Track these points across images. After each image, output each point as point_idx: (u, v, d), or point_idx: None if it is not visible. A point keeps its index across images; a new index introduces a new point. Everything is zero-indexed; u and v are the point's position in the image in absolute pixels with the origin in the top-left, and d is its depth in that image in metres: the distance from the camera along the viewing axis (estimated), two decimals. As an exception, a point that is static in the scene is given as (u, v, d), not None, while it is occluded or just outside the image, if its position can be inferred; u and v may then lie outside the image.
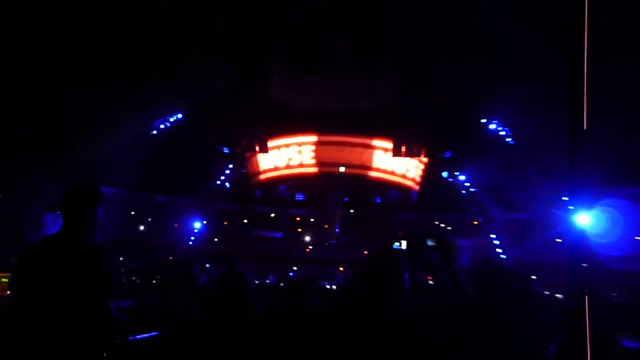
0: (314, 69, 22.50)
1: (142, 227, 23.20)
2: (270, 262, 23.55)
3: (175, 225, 23.27)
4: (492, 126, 23.46)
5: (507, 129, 23.20)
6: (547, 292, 5.72)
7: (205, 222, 24.08)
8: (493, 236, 22.57)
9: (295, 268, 23.60)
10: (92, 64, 16.89)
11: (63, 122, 16.93)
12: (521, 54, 17.46)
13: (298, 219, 27.43)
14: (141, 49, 18.40)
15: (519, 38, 15.59)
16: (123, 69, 18.30)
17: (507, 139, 23.35)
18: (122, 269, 16.92)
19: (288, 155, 25.09)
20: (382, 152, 24.94)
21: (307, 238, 26.76)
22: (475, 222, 23.10)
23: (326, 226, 26.96)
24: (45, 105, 15.88)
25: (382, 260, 2.68)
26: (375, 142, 24.81)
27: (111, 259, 2.42)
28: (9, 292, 2.46)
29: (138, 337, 4.92)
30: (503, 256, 21.28)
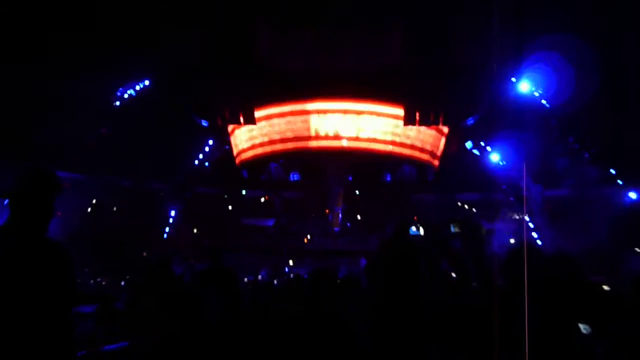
0: (308, 22, 22.49)
1: (107, 218, 22.94)
2: (261, 255, 23.84)
3: (148, 214, 23.25)
4: (524, 86, 23.37)
5: (541, 90, 23.18)
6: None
7: (182, 209, 24.48)
8: (527, 218, 22.59)
9: (291, 262, 24.07)
10: (50, 29, 17.16)
11: (17, 95, 17.01)
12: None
13: (293, 203, 27.55)
14: (107, 13, 18.67)
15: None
16: (87, 35, 18.61)
17: (542, 102, 23.31)
18: (85, 269, 17.67)
19: (280, 126, 24.95)
20: (391, 119, 24.79)
21: (305, 226, 26.78)
22: (507, 202, 23.07)
23: (327, 211, 27.10)
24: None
25: (395, 251, 2.63)
26: (383, 108, 24.63)
27: (70, 257, 2.43)
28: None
29: (105, 348, 4.91)
30: (539, 242, 21.46)
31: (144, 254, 21.13)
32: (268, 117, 24.70)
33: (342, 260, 22.00)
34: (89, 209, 22.25)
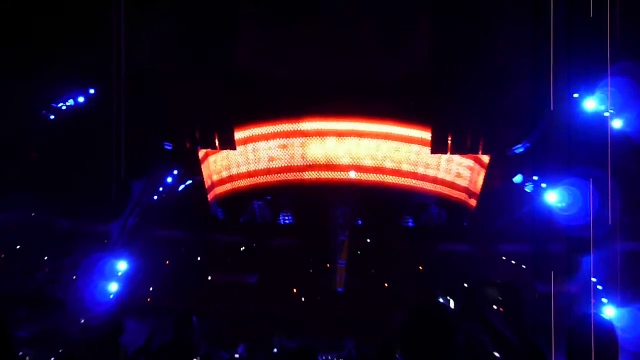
0: (305, 18, 22.66)
1: (35, 272, 23.31)
2: (240, 324, 24.00)
3: (89, 266, 21.97)
4: (591, 103, 23.34)
5: (613, 108, 23.12)
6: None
7: (136, 260, 23.45)
8: (594, 279, 20.87)
9: (281, 334, 23.40)
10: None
11: None
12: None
13: (283, 254, 27.34)
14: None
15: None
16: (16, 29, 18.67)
17: (615, 124, 23.24)
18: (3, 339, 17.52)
19: (267, 152, 24.99)
20: (414, 145, 24.79)
21: (298, 284, 26.84)
22: (569, 258, 22.83)
23: (328, 265, 26.90)
24: None
25: (422, 324, 2.78)
26: (405, 131, 24.67)
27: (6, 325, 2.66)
28: None
29: None
30: (611, 311, 21.28)
31: (82, 321, 19.03)
32: (251, 140, 24.62)
33: (348, 331, 22.33)
34: (12, 260, 22.56)
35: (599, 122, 22.85)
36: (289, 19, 22.68)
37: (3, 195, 19.96)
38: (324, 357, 22.41)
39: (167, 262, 25.85)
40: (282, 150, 24.80)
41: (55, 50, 20.17)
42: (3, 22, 18.68)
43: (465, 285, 26.25)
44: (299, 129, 24.53)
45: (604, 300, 22.38)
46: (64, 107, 23.04)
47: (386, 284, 26.17)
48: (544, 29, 19.67)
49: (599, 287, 22.57)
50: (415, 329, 2.86)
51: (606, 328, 2.77)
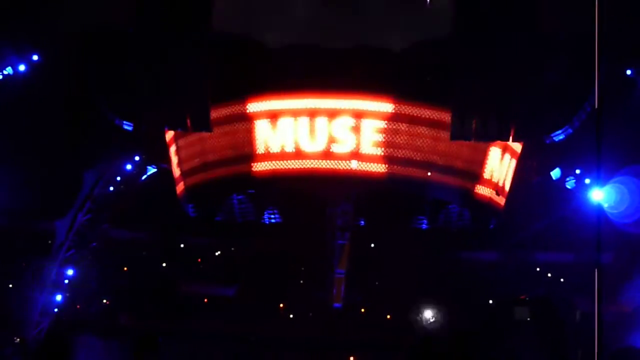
0: None
1: None
2: (214, 346, 24.12)
3: (29, 273, 23.26)
4: None
5: None
6: None
7: (87, 267, 24.05)
8: None
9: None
10: None
11: None
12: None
13: (269, 260, 27.07)
14: None
15: None
16: None
17: None
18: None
19: (250, 135, 24.24)
20: (430, 130, 24.06)
21: (287, 298, 26.75)
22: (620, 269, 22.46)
23: (324, 275, 26.37)
24: None
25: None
26: (418, 111, 23.92)
27: None
28: None
29: None
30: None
31: (16, 339, 21.16)
32: (231, 120, 24.08)
33: (346, 357, 23.25)
34: None
35: None
36: None
37: None
38: None
39: (126, 269, 25.71)
40: (269, 132, 24.17)
41: None
42: None
43: (490, 302, 26.63)
44: (290, 107, 23.92)
45: None
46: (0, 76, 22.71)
47: (394, 300, 25.65)
48: None
49: None
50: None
51: None
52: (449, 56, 21.97)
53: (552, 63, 21.45)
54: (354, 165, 23.90)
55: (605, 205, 22.93)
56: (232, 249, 27.89)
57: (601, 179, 22.90)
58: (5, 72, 22.48)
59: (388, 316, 25.91)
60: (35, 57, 22.52)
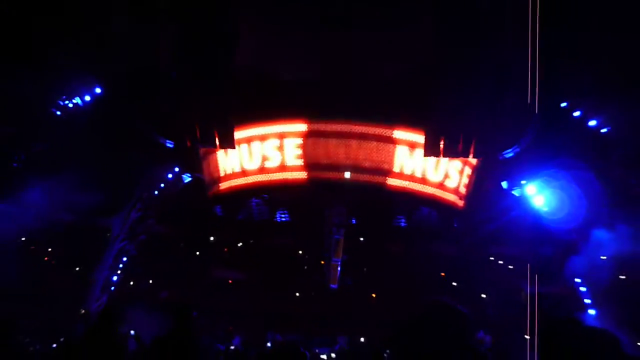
0: (304, 20, 22.09)
1: (36, 263, 23.19)
2: (236, 318, 24.18)
3: (89, 258, 23.38)
4: (577, 113, 22.77)
5: (600, 118, 22.49)
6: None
7: (135, 254, 24.15)
8: (578, 280, 22.46)
9: (276, 329, 23.88)
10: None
11: None
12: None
13: (279, 251, 27.21)
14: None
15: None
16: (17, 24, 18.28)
17: (602, 132, 22.68)
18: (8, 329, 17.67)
19: (264, 151, 23.97)
20: (408, 148, 23.74)
21: (294, 281, 26.92)
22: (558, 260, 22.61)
23: (322, 262, 26.46)
24: None
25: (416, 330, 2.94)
26: (398, 133, 23.62)
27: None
28: None
29: None
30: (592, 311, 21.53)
31: (82, 311, 21.01)
32: (251, 139, 23.87)
33: (340, 327, 23.00)
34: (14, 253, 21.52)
35: (585, 129, 22.83)
36: (288, 20, 22.22)
37: (9, 187, 20.24)
38: (317, 352, 22.67)
39: (167, 256, 25.67)
40: (279, 149, 24.07)
41: (64, 50, 20.04)
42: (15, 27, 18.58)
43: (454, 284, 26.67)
44: (297, 130, 23.79)
45: (587, 301, 22.49)
46: (70, 105, 22.73)
47: (378, 283, 26.12)
48: (536, 39, 20.03)
49: (583, 288, 22.65)
50: (410, 335, 2.98)
51: (576, 333, 2.74)
52: (426, 93, 21.53)
53: (504, 97, 21.40)
54: (347, 175, 23.92)
55: (544, 210, 23.17)
56: (251, 241, 27.74)
57: (540, 189, 23.37)
58: (74, 102, 22.66)
59: (373, 295, 26.00)
60: (98, 90, 22.62)
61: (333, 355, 22.92)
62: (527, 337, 21.39)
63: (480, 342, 22.27)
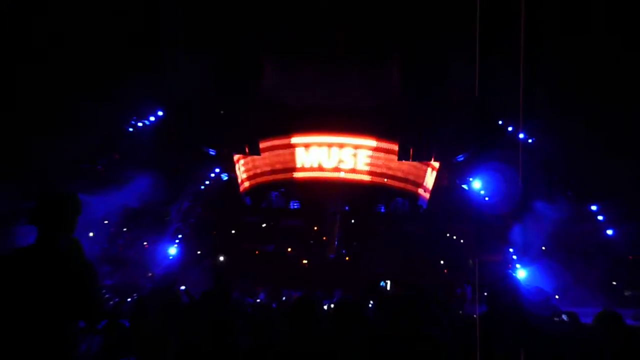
0: (310, 62, 22.52)
1: (115, 239, 23.02)
2: (261, 279, 23.35)
3: (154, 236, 23.16)
4: (510, 128, 23.32)
5: (527, 132, 22.81)
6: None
7: (186, 233, 24.29)
8: (512, 250, 22.57)
9: (291, 286, 22.76)
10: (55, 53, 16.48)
11: (22, 119, 16.31)
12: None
13: (292, 230, 27.29)
14: (112, 38, 18.19)
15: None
16: (91, 60, 17.98)
17: (529, 143, 23.24)
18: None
19: (282, 157, 25.13)
20: (386, 154, 24.89)
21: (303, 252, 26.57)
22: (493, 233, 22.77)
23: (324, 238, 26.84)
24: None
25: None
26: (379, 144, 24.78)
27: (94, 275, 2.55)
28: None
29: None
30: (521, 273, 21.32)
31: (150, 274, 20.65)
32: (272, 149, 24.74)
33: (337, 285, 21.48)
34: (99, 230, 21.61)
35: (516, 140, 22.96)
36: (298, 62, 22.60)
37: (96, 184, 19.74)
38: (320, 303, 21.88)
39: (210, 234, 25.62)
40: (293, 156, 24.77)
41: (135, 81, 19.45)
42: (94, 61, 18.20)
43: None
44: (305, 141, 24.63)
45: (518, 265, 22.60)
46: (139, 124, 23.16)
47: (363, 251, 25.63)
48: (476, 75, 19.96)
49: (514, 256, 22.79)
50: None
51: (510, 287, 2.68)
52: (397, 115, 22.67)
53: (455, 118, 21.71)
54: (342, 174, 24.79)
55: (486, 199, 23.58)
56: (271, 223, 27.50)
57: (483, 184, 23.49)
58: (142, 122, 23.08)
59: (362, 262, 26.17)
60: (160, 113, 23.09)
61: (332, 305, 22.03)
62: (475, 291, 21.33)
63: (462, 296, 22.03)
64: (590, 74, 16.87)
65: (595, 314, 3.50)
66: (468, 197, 24.28)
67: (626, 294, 17.86)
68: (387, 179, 25.22)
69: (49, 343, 2.34)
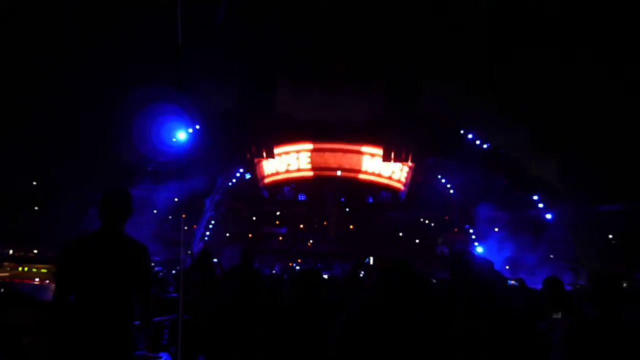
0: (314, 85, 22.13)
1: (163, 224, 22.59)
2: (276, 254, 23.90)
3: (193, 222, 23.00)
4: (469, 136, 23.23)
5: (482, 138, 22.47)
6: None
7: (219, 219, 24.10)
8: (471, 231, 22.62)
9: (299, 260, 24.07)
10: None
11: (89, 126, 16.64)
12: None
13: (300, 216, 27.38)
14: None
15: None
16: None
17: (484, 147, 23.07)
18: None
19: (289, 160, 24.79)
20: (373, 157, 24.77)
21: (308, 233, 26.78)
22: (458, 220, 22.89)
23: (325, 223, 26.91)
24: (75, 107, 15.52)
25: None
26: (367, 149, 24.59)
27: (149, 254, 2.60)
28: (55, 280, 2.53)
29: (160, 318, 5.26)
30: (476, 244, 21.47)
31: (189, 252, 20.44)
32: (283, 153, 24.63)
33: (336, 260, 22.45)
34: (151, 217, 21.67)
35: (474, 145, 22.59)
36: (305, 85, 22.17)
37: (147, 181, 20.04)
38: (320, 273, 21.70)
39: (237, 220, 25.70)
40: (297, 159, 24.66)
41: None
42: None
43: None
44: (310, 147, 24.44)
45: (476, 243, 22.54)
46: (180, 135, 22.53)
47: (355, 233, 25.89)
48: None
49: (473, 236, 22.76)
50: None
51: (469, 259, 2.43)
52: (382, 127, 22.35)
53: (427, 131, 21.30)
54: (339, 173, 24.65)
55: (451, 191, 23.47)
56: (284, 211, 27.56)
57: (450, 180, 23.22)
58: (183, 134, 22.44)
59: (355, 241, 25.95)
60: (197, 126, 22.02)
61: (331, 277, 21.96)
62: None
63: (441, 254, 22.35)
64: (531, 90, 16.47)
65: (543, 280, 3.46)
66: (437, 190, 24.15)
67: (562, 264, 17.71)
68: (372, 175, 25.06)
69: (117, 314, 2.39)
